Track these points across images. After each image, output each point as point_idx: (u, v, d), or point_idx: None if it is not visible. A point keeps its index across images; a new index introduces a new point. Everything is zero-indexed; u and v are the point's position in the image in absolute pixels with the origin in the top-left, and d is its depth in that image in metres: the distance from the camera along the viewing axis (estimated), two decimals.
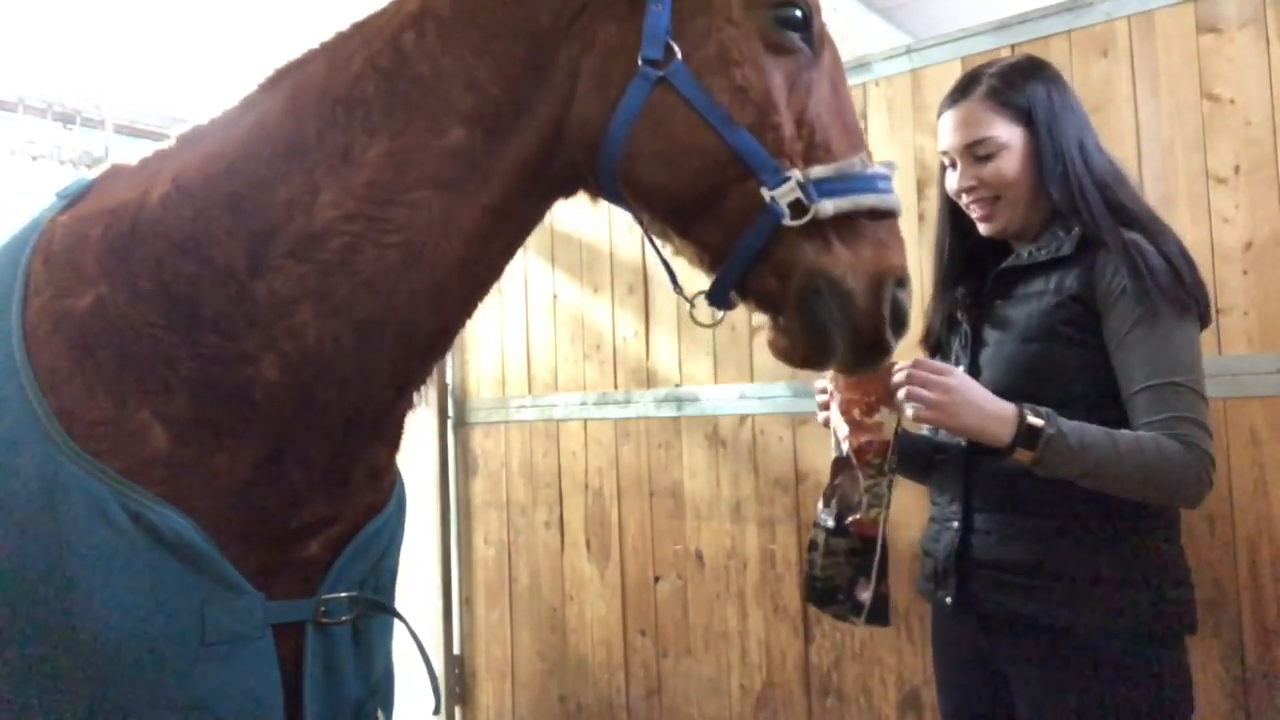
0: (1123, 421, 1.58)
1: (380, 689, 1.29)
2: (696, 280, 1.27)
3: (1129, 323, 1.56)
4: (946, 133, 1.76)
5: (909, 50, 2.77)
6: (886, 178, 1.20)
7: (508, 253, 1.25)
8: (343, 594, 1.21)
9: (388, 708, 1.32)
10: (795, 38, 1.18)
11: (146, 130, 3.58)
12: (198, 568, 1.08)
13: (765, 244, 1.14)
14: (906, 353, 1.46)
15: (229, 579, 1.10)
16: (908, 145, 2.75)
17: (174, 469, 1.10)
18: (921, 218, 2.70)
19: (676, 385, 3.21)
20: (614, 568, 3.35)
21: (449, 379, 3.88)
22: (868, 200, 1.16)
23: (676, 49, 1.14)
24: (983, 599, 1.68)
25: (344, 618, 1.21)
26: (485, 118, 1.17)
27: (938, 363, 1.57)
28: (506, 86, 1.18)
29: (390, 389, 1.21)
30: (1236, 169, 2.25)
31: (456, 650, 3.84)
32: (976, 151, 1.71)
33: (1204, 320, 1.63)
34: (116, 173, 1.28)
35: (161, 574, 1.07)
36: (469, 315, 1.26)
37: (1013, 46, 2.52)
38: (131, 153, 1.30)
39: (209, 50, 3.55)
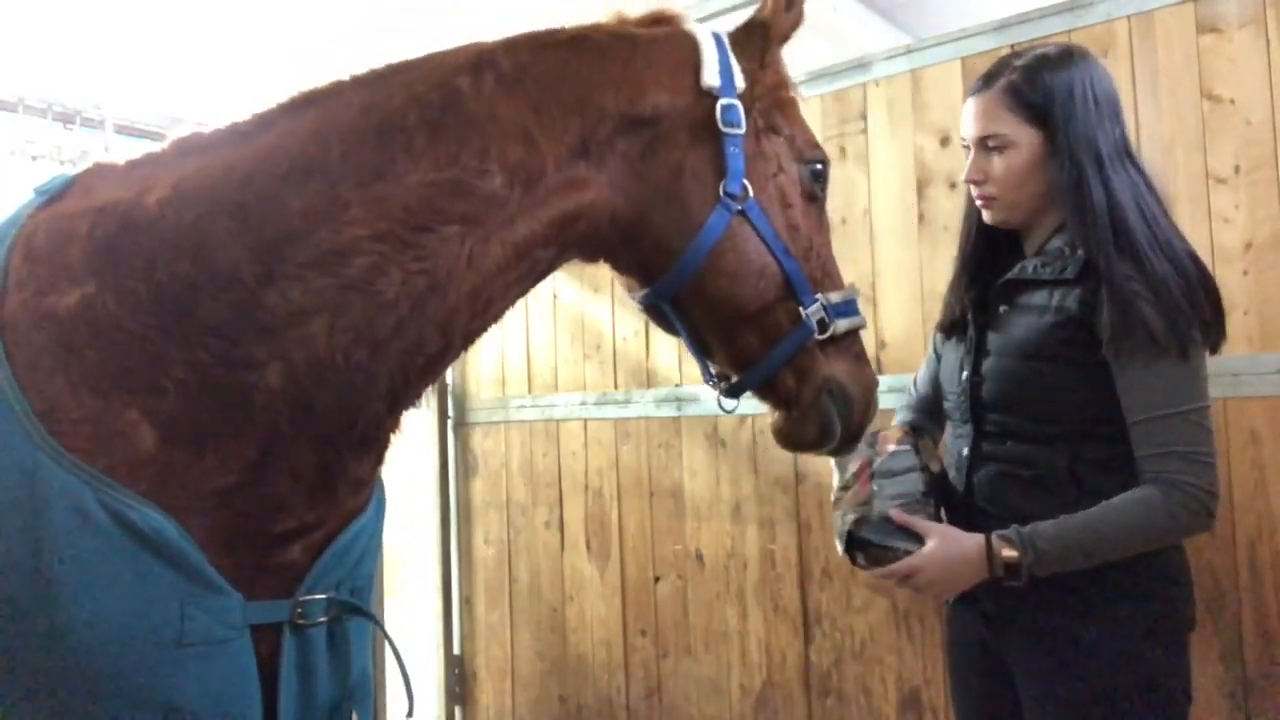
0: (1120, 440, 1.59)
1: (356, 691, 1.29)
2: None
3: (1124, 356, 1.55)
4: (966, 121, 1.75)
5: (909, 50, 2.77)
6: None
7: (517, 289, 1.30)
8: (320, 596, 1.21)
9: (364, 710, 1.31)
10: (818, 188, 1.46)
11: (146, 130, 3.58)
12: (177, 567, 1.08)
13: (795, 352, 1.40)
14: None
15: (209, 579, 1.10)
16: (908, 145, 2.74)
17: (160, 469, 1.09)
18: (921, 218, 2.70)
19: (676, 385, 3.21)
20: (614, 568, 3.35)
21: (449, 379, 3.88)
22: (859, 322, 1.47)
23: (749, 187, 1.35)
24: (985, 597, 1.70)
25: (320, 619, 1.21)
26: (530, 171, 1.24)
27: (888, 565, 1.67)
28: (557, 150, 1.26)
29: (384, 403, 1.22)
30: (1236, 169, 2.24)
31: (456, 650, 3.83)
32: (988, 144, 1.70)
33: (1213, 345, 1.60)
34: (102, 172, 1.26)
35: (141, 573, 1.06)
36: (471, 343, 1.30)
37: (1012, 46, 2.51)
38: (130, 153, 1.28)
39: (208, 51, 3.55)
